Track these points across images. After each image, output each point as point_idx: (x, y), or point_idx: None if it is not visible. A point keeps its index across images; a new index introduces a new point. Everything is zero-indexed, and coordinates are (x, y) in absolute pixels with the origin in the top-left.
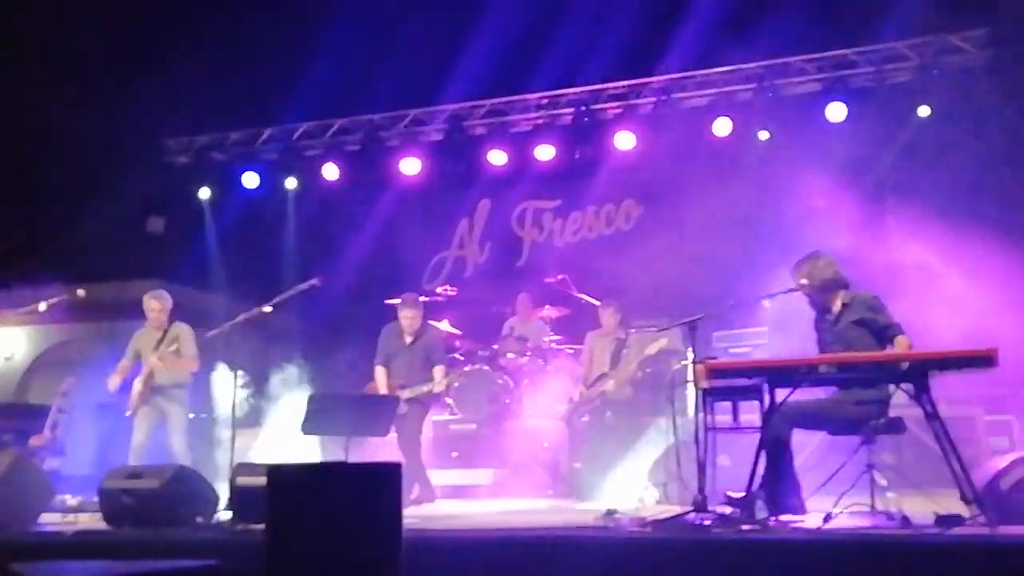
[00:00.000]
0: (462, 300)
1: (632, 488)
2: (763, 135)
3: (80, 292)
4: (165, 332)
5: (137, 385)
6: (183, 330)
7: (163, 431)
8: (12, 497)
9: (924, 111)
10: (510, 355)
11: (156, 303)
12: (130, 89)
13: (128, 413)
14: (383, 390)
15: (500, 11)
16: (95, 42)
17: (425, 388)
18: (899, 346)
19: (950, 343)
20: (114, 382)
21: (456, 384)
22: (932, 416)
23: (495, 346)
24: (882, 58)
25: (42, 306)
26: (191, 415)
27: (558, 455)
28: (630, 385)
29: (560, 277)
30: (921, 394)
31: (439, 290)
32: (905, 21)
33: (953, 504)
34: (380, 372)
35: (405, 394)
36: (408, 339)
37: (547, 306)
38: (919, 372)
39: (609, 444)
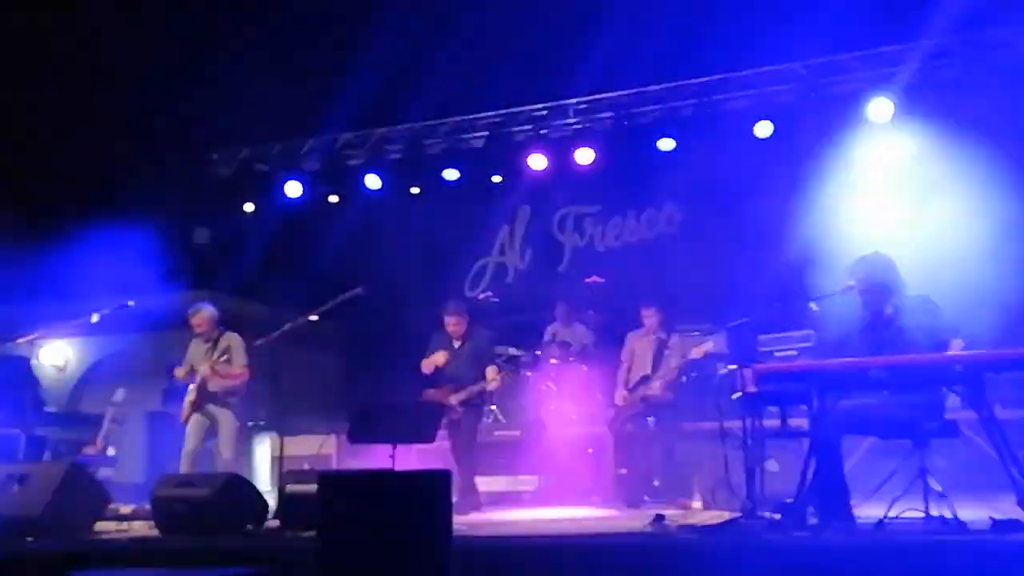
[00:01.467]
0: (504, 306)
1: (678, 494)
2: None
3: (130, 303)
4: (216, 342)
5: (190, 394)
6: (233, 340)
7: (214, 439)
8: (67, 506)
9: (970, 106)
10: (553, 361)
11: (196, 318)
12: (174, 102)
13: (181, 420)
14: (439, 361)
15: (538, 17)
16: (138, 57)
17: (478, 387)
18: (954, 349)
19: (1000, 345)
20: (180, 373)
21: (509, 380)
22: (988, 419)
23: (537, 352)
24: (929, 54)
25: (94, 317)
26: (239, 423)
27: (603, 461)
28: (672, 389)
29: (595, 279)
30: (976, 397)
31: (481, 296)
32: (952, 15)
33: (1010, 509)
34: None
35: (459, 397)
36: (456, 343)
37: (589, 311)
38: (973, 374)
39: (653, 449)
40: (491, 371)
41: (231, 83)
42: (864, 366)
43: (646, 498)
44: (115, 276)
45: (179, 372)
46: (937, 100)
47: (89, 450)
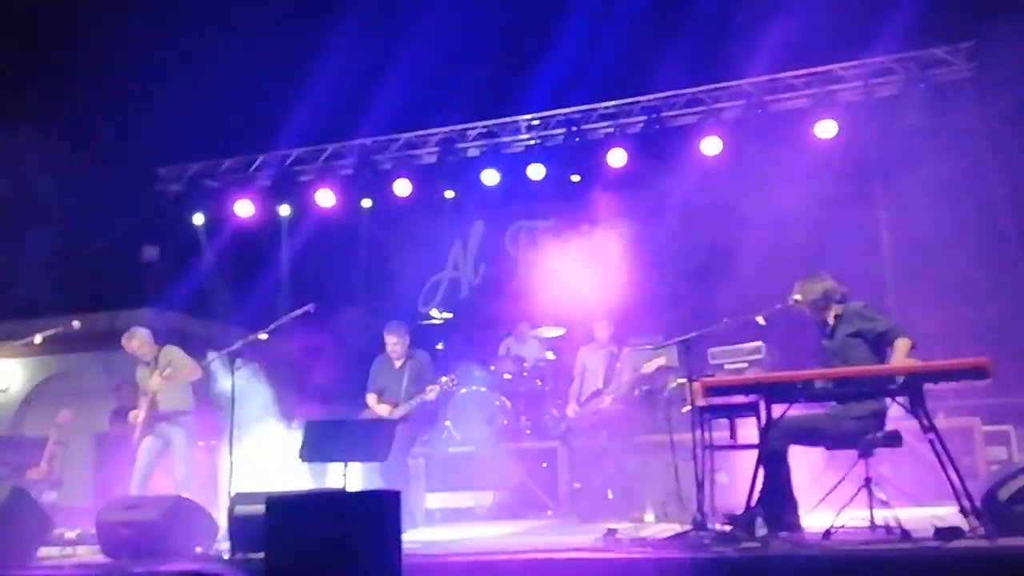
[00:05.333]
0: (457, 321)
1: (631, 507)
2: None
3: (76, 323)
4: (156, 360)
5: (141, 415)
6: (172, 350)
7: (164, 459)
8: (9, 532)
9: (911, 123)
10: (507, 375)
11: (133, 342)
12: (122, 118)
13: (135, 441)
14: (382, 413)
15: (490, 34)
16: (86, 73)
17: (416, 399)
18: (900, 348)
19: (946, 354)
20: (133, 415)
21: (450, 387)
22: (928, 428)
23: (491, 367)
24: (869, 72)
25: (38, 338)
26: (190, 443)
27: (557, 475)
28: (623, 403)
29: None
30: (916, 406)
31: (434, 312)
32: (891, 35)
33: (953, 516)
34: (372, 398)
35: (398, 411)
36: (397, 363)
37: (542, 326)
38: (914, 385)
39: (607, 464)
40: (431, 385)
41: (180, 98)
42: (810, 378)
43: (600, 512)
44: (61, 293)
45: (133, 415)
46: (879, 116)
47: (33, 473)
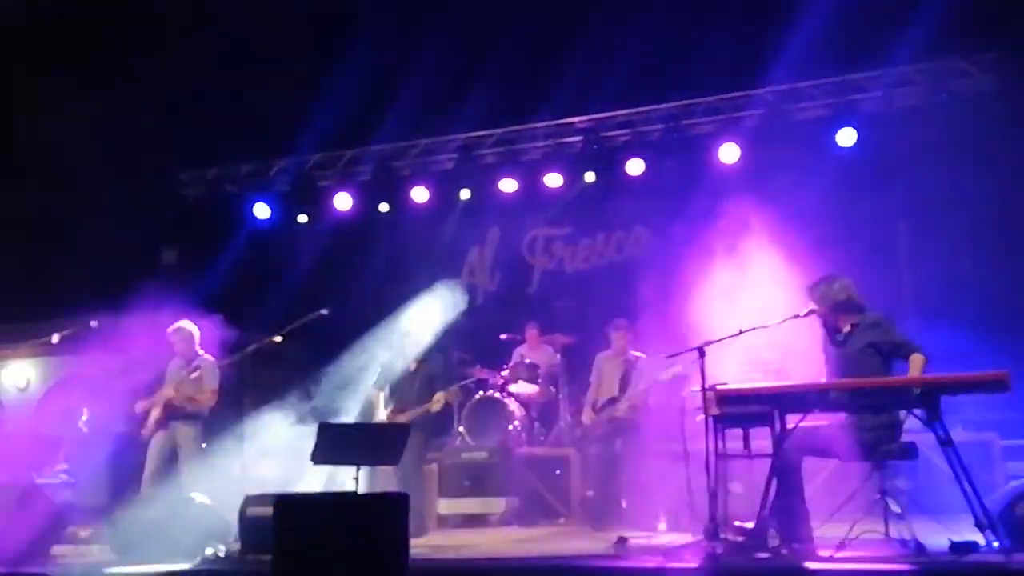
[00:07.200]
0: (473, 328)
1: (644, 516)
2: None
3: (93, 323)
4: (190, 362)
5: (155, 411)
6: (207, 363)
7: (177, 460)
8: (23, 531)
9: (932, 133)
10: (521, 382)
11: (175, 336)
12: (142, 123)
13: (144, 436)
14: (381, 414)
15: (509, 40)
16: (106, 76)
17: (422, 409)
18: (914, 364)
19: (964, 367)
20: (140, 406)
21: (454, 401)
22: (945, 441)
23: (505, 373)
24: (891, 82)
25: (55, 338)
26: (204, 444)
27: (570, 482)
28: (639, 410)
29: None
30: (933, 419)
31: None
32: (913, 45)
33: (968, 530)
34: (377, 396)
35: (402, 418)
36: (412, 366)
37: (557, 333)
38: (931, 397)
39: (620, 471)
40: (438, 394)
41: (200, 103)
42: (824, 388)
43: (612, 520)
44: (80, 295)
45: (139, 405)
46: (900, 126)
47: (48, 472)
